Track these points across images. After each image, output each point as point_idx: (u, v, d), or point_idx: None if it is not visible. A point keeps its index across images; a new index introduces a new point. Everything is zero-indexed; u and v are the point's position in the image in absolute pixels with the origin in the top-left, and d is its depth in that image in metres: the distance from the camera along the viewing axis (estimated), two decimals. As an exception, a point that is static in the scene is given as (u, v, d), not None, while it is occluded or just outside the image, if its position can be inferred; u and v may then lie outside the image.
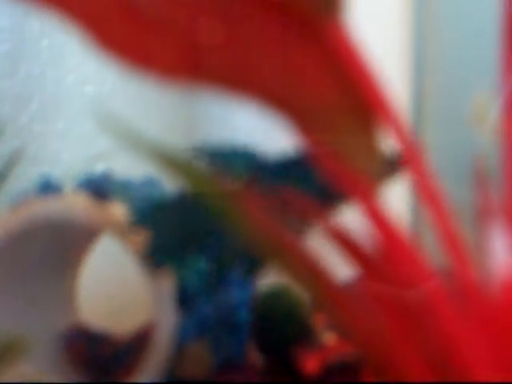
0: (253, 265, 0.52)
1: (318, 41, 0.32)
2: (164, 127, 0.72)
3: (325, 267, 0.32)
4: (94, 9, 0.31)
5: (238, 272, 0.52)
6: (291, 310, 0.56)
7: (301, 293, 0.57)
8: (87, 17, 0.31)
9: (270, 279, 0.56)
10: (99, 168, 0.68)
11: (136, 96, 0.71)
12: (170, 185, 0.54)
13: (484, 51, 0.59)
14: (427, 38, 0.77)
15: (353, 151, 0.32)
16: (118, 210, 0.51)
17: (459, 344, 0.31)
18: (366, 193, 0.32)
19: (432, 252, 0.33)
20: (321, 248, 0.33)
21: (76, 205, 0.51)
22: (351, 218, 0.34)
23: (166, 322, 0.49)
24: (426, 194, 0.32)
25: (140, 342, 0.55)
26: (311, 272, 0.32)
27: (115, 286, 0.69)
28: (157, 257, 0.49)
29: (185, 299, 0.50)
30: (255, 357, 0.56)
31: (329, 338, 0.56)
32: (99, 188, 0.51)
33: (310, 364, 0.53)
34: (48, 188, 0.52)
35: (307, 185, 0.46)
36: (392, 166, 0.35)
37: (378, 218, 0.32)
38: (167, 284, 0.49)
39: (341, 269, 0.34)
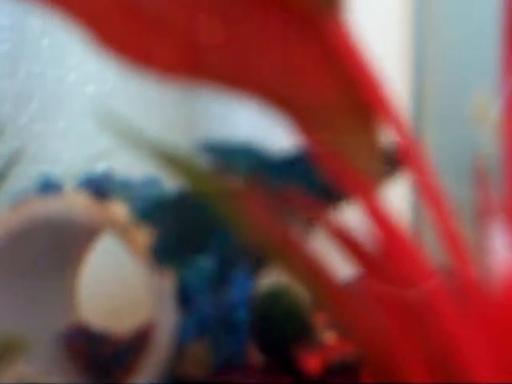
0: (258, 263, 0.52)
1: (318, 39, 0.32)
2: (164, 126, 0.72)
3: (326, 266, 0.32)
4: (94, 7, 0.31)
5: (242, 271, 0.52)
6: (291, 309, 0.56)
7: (301, 292, 0.57)
8: (88, 15, 0.31)
9: (269, 279, 0.56)
10: (100, 167, 0.68)
11: (136, 95, 0.71)
12: (170, 184, 0.54)
13: (484, 51, 0.59)
14: (427, 37, 0.77)
15: (353, 150, 0.32)
16: (119, 210, 0.51)
17: (459, 343, 0.31)
18: (366, 191, 0.32)
19: (432, 250, 0.33)
20: (322, 247, 0.33)
21: (76, 204, 0.51)
22: (352, 216, 0.34)
23: (166, 321, 0.49)
24: (426, 193, 0.32)
25: (140, 341, 0.55)
26: (312, 271, 0.32)
27: (115, 286, 0.69)
28: (157, 256, 0.49)
29: (185, 299, 0.50)
30: (255, 356, 0.56)
31: (329, 337, 0.56)
32: (99, 187, 0.51)
33: (311, 363, 0.53)
34: (48, 187, 0.52)
35: (308, 183, 0.46)
36: (392, 165, 0.35)
37: (378, 216, 0.32)
38: (167, 283, 0.49)
39: (342, 267, 0.34)
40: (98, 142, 0.69)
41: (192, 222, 0.50)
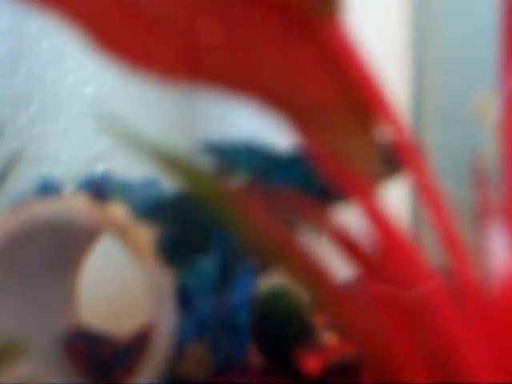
0: (263, 264, 0.52)
1: (316, 41, 0.32)
2: (164, 127, 0.72)
3: (324, 267, 0.32)
4: (93, 9, 0.31)
5: (243, 272, 0.52)
6: (291, 310, 0.56)
7: (301, 293, 0.57)
8: (86, 17, 0.31)
9: (270, 280, 0.56)
10: (99, 168, 0.68)
11: (136, 96, 0.71)
12: (169, 185, 0.54)
13: (484, 51, 0.59)
14: (427, 37, 0.77)
15: (352, 151, 0.32)
16: (118, 211, 0.51)
17: (458, 344, 0.31)
18: (365, 192, 0.32)
19: (431, 251, 0.33)
20: (321, 248, 0.33)
21: (76, 206, 0.51)
22: (351, 217, 0.34)
23: (166, 322, 0.49)
24: (425, 194, 0.32)
25: (140, 342, 0.55)
26: (311, 272, 0.32)
27: (115, 287, 0.69)
28: (160, 256, 0.49)
29: (185, 300, 0.50)
30: (255, 357, 0.56)
31: (329, 338, 0.56)
32: (99, 189, 0.51)
33: (311, 364, 0.53)
34: (47, 189, 0.52)
35: (307, 184, 0.46)
36: (391, 166, 0.35)
37: (377, 217, 0.32)
38: (167, 285, 0.49)
39: (340, 268, 0.34)
40: (98, 142, 0.69)
41: (192, 223, 0.50)
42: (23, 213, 0.52)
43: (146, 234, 0.50)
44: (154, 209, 0.52)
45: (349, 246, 0.32)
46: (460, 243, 0.32)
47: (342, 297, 0.32)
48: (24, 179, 0.60)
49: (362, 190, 0.32)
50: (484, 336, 0.32)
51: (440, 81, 0.76)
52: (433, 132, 0.76)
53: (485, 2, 0.72)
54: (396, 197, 0.74)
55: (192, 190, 0.36)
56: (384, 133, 0.33)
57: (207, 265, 0.51)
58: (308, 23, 0.32)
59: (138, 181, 0.55)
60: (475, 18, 0.73)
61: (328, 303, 0.33)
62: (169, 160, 0.32)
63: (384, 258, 0.32)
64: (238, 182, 0.50)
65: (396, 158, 0.33)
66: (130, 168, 0.53)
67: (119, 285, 0.68)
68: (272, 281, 0.56)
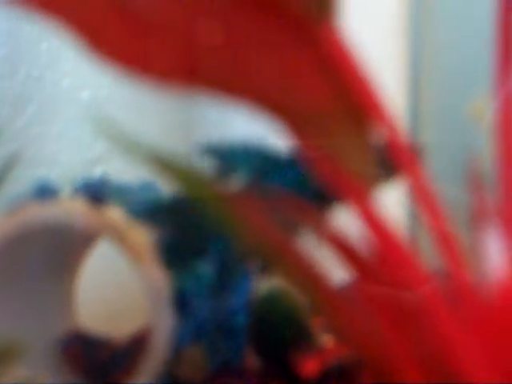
0: (261, 266, 0.52)
1: (312, 44, 0.32)
2: (161, 131, 0.72)
3: (321, 270, 0.32)
4: (88, 14, 0.31)
5: (241, 276, 0.52)
6: (289, 313, 0.56)
7: (299, 295, 0.57)
8: (81, 22, 0.31)
9: (268, 282, 0.56)
10: (97, 171, 0.68)
11: (134, 99, 0.71)
12: (167, 188, 0.54)
13: (481, 53, 0.59)
14: (424, 39, 0.77)
15: (347, 154, 0.32)
16: (115, 214, 0.51)
17: (454, 347, 0.31)
18: (360, 196, 0.32)
19: (428, 254, 0.33)
20: (316, 251, 0.33)
21: (73, 209, 0.51)
22: (347, 221, 0.34)
23: (164, 325, 0.49)
24: (421, 197, 0.32)
25: (137, 345, 0.55)
26: (307, 275, 0.32)
27: (112, 290, 0.69)
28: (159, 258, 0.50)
29: (183, 303, 0.50)
30: (253, 360, 0.56)
31: (327, 340, 0.56)
32: (96, 192, 0.51)
33: (308, 367, 0.53)
34: (44, 192, 0.52)
35: (305, 186, 0.46)
36: (387, 169, 0.35)
37: (373, 221, 0.32)
38: (165, 288, 0.49)
39: (336, 271, 0.34)
40: (96, 145, 0.69)
41: (190, 226, 0.50)
42: (20, 216, 0.52)
43: (143, 237, 0.50)
44: (151, 212, 0.52)
45: (345, 249, 0.32)
46: (456, 246, 0.32)
47: (339, 300, 0.32)
48: (21, 181, 0.60)
49: (358, 193, 0.32)
50: (480, 338, 0.32)
51: (437, 83, 0.76)
52: (430, 134, 0.76)
53: (482, 4, 0.72)
54: (392, 200, 0.74)
55: (189, 194, 0.36)
56: (379, 136, 0.33)
57: (205, 267, 0.51)
58: (304, 26, 0.32)
59: (135, 184, 0.55)
60: (472, 19, 0.73)
61: (325, 306, 0.33)
62: (165, 164, 0.32)
63: (380, 261, 0.32)
64: (236, 183, 0.50)
65: (391, 161, 0.33)
66: (128, 171, 0.53)
67: (117, 288, 0.68)
68: (270, 283, 0.56)
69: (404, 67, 0.77)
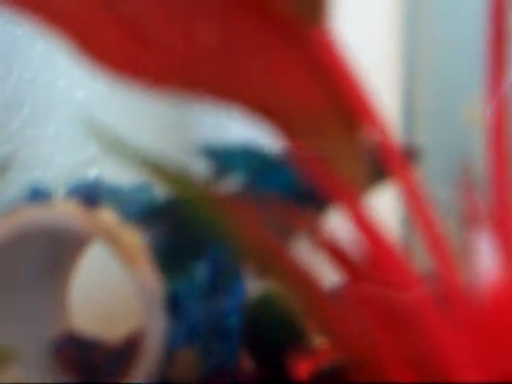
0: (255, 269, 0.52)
1: (303, 46, 0.32)
2: (156, 131, 0.72)
3: (312, 274, 0.32)
4: (79, 18, 0.31)
5: (235, 278, 0.52)
6: (283, 314, 0.56)
7: (292, 298, 0.56)
8: (72, 26, 0.31)
9: (262, 284, 0.56)
10: (92, 173, 0.68)
11: (128, 100, 0.71)
12: (161, 190, 0.54)
13: (476, 53, 0.59)
14: (418, 40, 0.77)
15: (339, 157, 0.32)
16: (109, 217, 0.51)
17: (445, 349, 0.31)
18: (352, 199, 0.32)
19: (419, 257, 0.33)
20: (307, 254, 0.33)
21: (66, 212, 0.51)
22: (338, 224, 0.34)
23: (156, 327, 0.49)
24: (411, 199, 0.32)
25: (131, 348, 0.55)
26: (298, 278, 0.32)
27: (106, 293, 0.68)
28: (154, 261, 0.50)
29: (176, 305, 0.50)
30: (247, 362, 0.56)
31: (322, 342, 0.56)
32: (89, 195, 0.51)
33: (301, 369, 0.53)
34: (37, 195, 0.52)
35: (297, 190, 0.46)
36: (378, 172, 0.35)
37: (364, 224, 0.32)
38: (158, 290, 0.49)
39: (327, 274, 0.34)
40: (90, 147, 0.69)
41: (185, 229, 0.50)
42: (13, 218, 0.52)
43: (136, 239, 0.50)
44: (145, 214, 0.52)
45: (336, 252, 0.32)
46: (447, 248, 0.32)
47: (330, 302, 0.32)
48: (16, 183, 0.60)
49: (349, 196, 0.32)
50: (470, 342, 0.32)
51: (431, 83, 0.76)
52: (424, 135, 0.76)
53: (476, 4, 0.72)
54: (383, 203, 0.74)
55: (180, 198, 0.36)
56: (371, 138, 0.33)
57: (198, 269, 0.51)
58: (294, 28, 0.32)
59: (129, 185, 0.55)
60: (467, 18, 0.73)
61: (316, 309, 0.33)
62: (156, 167, 0.32)
63: (371, 265, 0.32)
64: (233, 184, 0.50)
65: (383, 164, 0.33)
66: (124, 172, 0.53)
67: (110, 290, 0.68)
68: (264, 285, 0.56)
69: (398, 67, 0.77)
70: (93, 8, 0.31)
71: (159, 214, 0.52)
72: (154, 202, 0.53)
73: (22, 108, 0.69)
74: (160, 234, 0.51)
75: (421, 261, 0.33)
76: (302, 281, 0.32)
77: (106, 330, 0.60)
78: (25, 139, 0.69)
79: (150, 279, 0.49)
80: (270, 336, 0.56)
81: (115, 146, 0.32)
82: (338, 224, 0.34)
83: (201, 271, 0.51)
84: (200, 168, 0.51)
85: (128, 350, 0.55)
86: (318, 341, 0.56)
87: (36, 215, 0.51)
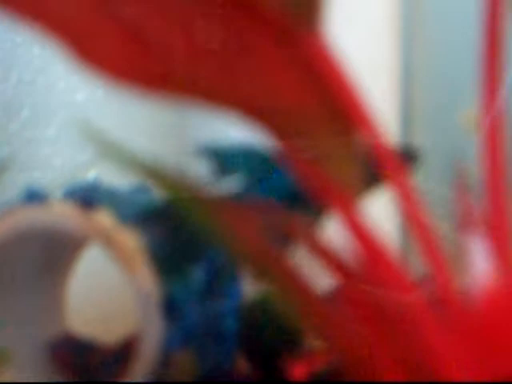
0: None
1: (297, 49, 0.32)
2: (155, 132, 0.72)
3: (306, 278, 0.32)
4: (73, 23, 0.31)
5: (231, 280, 0.52)
6: (279, 317, 0.56)
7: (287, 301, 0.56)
8: (67, 31, 0.31)
9: (257, 287, 0.56)
10: (90, 175, 0.68)
11: (126, 103, 0.71)
12: (159, 193, 0.54)
13: (473, 57, 0.59)
14: (415, 42, 0.77)
15: (333, 161, 0.32)
16: (105, 219, 0.51)
17: (439, 352, 0.31)
18: (346, 204, 0.32)
19: (413, 261, 0.33)
20: (301, 258, 0.33)
21: (63, 214, 0.51)
22: (332, 229, 0.34)
23: (153, 330, 0.49)
24: (405, 203, 0.32)
25: (127, 350, 0.55)
26: (293, 283, 0.32)
27: (102, 295, 0.68)
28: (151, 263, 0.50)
29: (172, 308, 0.50)
30: (243, 365, 0.56)
31: (318, 345, 0.56)
32: (86, 196, 0.51)
33: (297, 372, 0.53)
34: (34, 196, 0.52)
35: (293, 191, 0.46)
36: (373, 177, 0.35)
37: (358, 228, 0.32)
38: (154, 292, 0.49)
39: (321, 277, 0.34)
40: (88, 149, 0.69)
41: (180, 231, 0.50)
42: (10, 221, 0.52)
43: (133, 242, 0.50)
44: (142, 216, 0.52)
45: (329, 257, 0.33)
46: (441, 253, 0.33)
47: (324, 306, 0.33)
48: (14, 185, 0.60)
49: (343, 201, 0.32)
50: (464, 344, 0.32)
51: (428, 85, 0.76)
52: (421, 137, 0.76)
53: (473, 6, 0.72)
54: (378, 207, 0.74)
55: (174, 202, 0.36)
56: (364, 142, 0.33)
57: (195, 272, 0.51)
58: (288, 32, 0.32)
59: (127, 188, 0.55)
60: (464, 21, 0.73)
61: (310, 312, 0.33)
62: (151, 171, 0.32)
63: (366, 269, 0.33)
64: (233, 185, 0.50)
65: (377, 168, 0.33)
66: (122, 174, 0.53)
67: (107, 292, 0.68)
68: (260, 288, 0.56)
69: (396, 69, 0.77)
70: (91, 13, 0.32)
71: (156, 216, 0.52)
72: (150, 205, 0.53)
73: (21, 110, 0.69)
74: (157, 237, 0.51)
75: (415, 264, 0.33)
76: (296, 284, 0.32)
77: (103, 332, 0.60)
78: (23, 141, 0.69)
79: (146, 281, 0.49)
80: (266, 338, 0.56)
81: (110, 151, 0.32)
82: (332, 229, 0.34)
83: (197, 274, 0.51)
84: (199, 170, 0.51)
85: (124, 351, 0.55)
86: (314, 343, 0.56)
87: (33, 217, 0.52)
